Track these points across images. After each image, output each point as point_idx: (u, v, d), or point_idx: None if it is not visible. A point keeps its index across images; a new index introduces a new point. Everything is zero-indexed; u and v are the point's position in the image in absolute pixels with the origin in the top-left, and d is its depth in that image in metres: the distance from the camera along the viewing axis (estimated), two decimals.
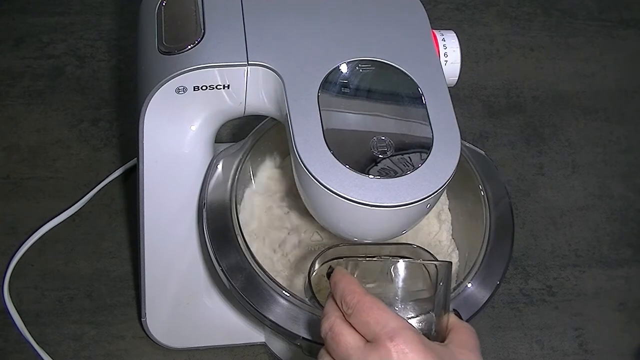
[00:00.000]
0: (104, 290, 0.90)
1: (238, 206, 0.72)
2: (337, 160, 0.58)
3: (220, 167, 0.72)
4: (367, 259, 0.59)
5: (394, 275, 0.57)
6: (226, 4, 0.66)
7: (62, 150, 1.00)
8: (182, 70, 0.62)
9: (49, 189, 0.97)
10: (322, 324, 0.55)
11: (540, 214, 1.01)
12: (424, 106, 0.62)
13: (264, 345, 0.86)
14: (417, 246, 0.64)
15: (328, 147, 0.58)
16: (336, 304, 0.55)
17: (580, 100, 1.14)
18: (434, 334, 0.56)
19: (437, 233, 0.79)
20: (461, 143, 0.61)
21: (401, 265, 0.57)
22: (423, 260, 0.61)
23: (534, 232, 0.99)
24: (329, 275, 0.58)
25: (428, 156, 0.59)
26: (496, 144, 1.07)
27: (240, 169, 0.73)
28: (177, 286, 0.79)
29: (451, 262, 0.59)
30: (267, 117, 0.73)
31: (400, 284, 0.57)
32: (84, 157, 1.00)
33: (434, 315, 0.57)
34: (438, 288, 0.58)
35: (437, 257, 0.63)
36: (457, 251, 0.78)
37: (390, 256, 0.61)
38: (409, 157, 0.59)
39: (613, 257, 0.98)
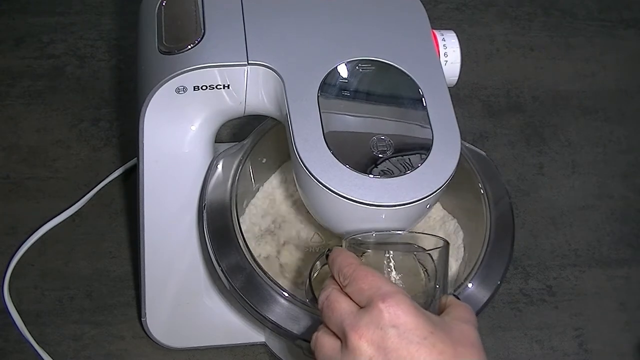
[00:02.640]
0: (104, 290, 0.90)
1: (239, 209, 0.72)
2: (337, 160, 0.58)
3: (220, 167, 0.72)
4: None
5: (393, 265, 0.57)
6: (226, 4, 0.66)
7: (62, 150, 1.00)
8: (182, 70, 0.62)
9: (49, 189, 0.97)
10: (320, 297, 0.55)
11: (540, 214, 1.01)
12: (424, 106, 0.62)
13: (264, 345, 0.86)
14: (418, 246, 0.64)
15: (328, 147, 0.58)
16: (334, 279, 0.56)
17: (580, 100, 1.14)
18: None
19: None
20: (462, 144, 0.61)
21: (397, 255, 0.57)
22: (418, 250, 0.61)
23: (534, 232, 0.99)
24: (327, 256, 0.58)
25: (428, 156, 0.59)
26: (496, 144, 1.07)
27: (241, 169, 0.73)
28: (177, 286, 0.79)
29: (448, 243, 0.59)
30: (267, 117, 0.73)
31: (397, 272, 0.57)
32: (84, 157, 1.00)
33: (432, 298, 0.57)
34: (437, 273, 0.58)
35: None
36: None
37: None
38: (409, 157, 0.59)
39: (613, 257, 0.98)
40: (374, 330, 0.50)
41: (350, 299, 0.53)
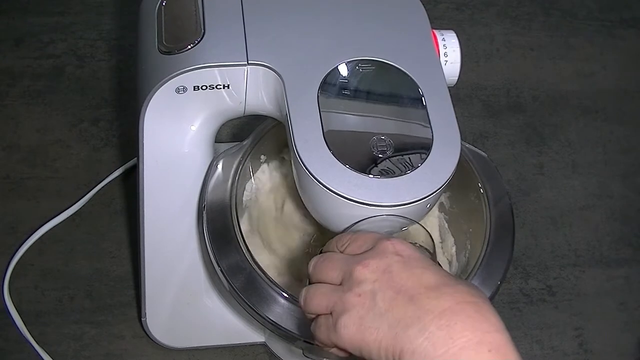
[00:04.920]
0: (104, 290, 0.90)
1: (239, 210, 0.72)
2: (337, 160, 0.58)
3: (220, 167, 0.72)
4: None
5: None
6: (226, 3, 0.66)
7: (62, 150, 1.00)
8: (182, 70, 0.62)
9: (49, 189, 0.97)
10: (310, 263, 0.55)
11: (540, 214, 1.01)
12: (424, 106, 0.62)
13: (264, 345, 0.86)
14: (418, 245, 0.64)
15: (328, 146, 0.58)
16: None
17: (580, 100, 1.14)
18: None
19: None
20: (463, 145, 0.61)
21: None
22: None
23: (534, 232, 0.99)
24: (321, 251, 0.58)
25: (428, 156, 0.59)
26: (496, 144, 1.07)
27: (241, 169, 0.73)
28: (177, 286, 0.79)
29: (433, 241, 0.59)
30: (267, 117, 0.73)
31: None
32: (84, 157, 1.00)
33: None
34: None
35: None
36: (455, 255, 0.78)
37: None
38: (409, 157, 0.59)
39: (613, 257, 0.98)
40: (379, 259, 0.50)
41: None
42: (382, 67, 0.64)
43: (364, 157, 0.58)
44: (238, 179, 0.72)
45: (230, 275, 0.67)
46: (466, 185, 0.74)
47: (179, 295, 0.80)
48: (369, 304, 0.49)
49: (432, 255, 0.59)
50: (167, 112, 0.65)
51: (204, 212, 0.70)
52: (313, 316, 0.53)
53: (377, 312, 0.48)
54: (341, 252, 0.54)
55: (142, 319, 0.82)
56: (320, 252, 0.58)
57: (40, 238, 0.92)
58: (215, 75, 0.63)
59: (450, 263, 0.77)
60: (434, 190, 0.58)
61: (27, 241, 0.91)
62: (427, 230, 0.60)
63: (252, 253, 0.69)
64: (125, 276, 0.91)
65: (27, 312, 0.87)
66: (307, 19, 0.67)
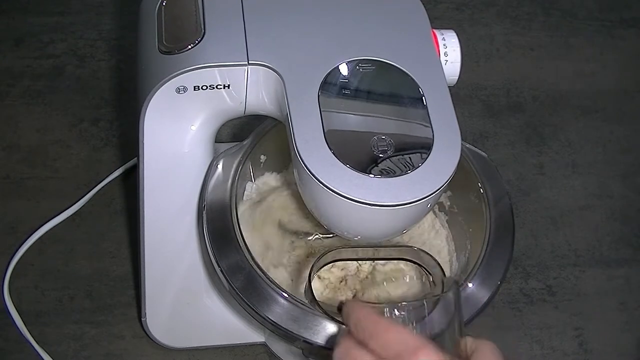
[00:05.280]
0: (104, 290, 0.89)
1: (239, 210, 0.71)
2: (337, 160, 0.58)
3: (220, 167, 0.72)
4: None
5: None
6: (226, 3, 0.66)
7: (62, 150, 1.00)
8: (182, 70, 0.62)
9: (49, 189, 0.97)
10: (335, 352, 0.54)
11: (540, 214, 1.01)
12: (425, 106, 0.62)
13: (264, 345, 0.86)
14: (418, 248, 0.64)
15: (329, 146, 0.58)
16: (348, 335, 0.54)
17: (580, 100, 1.14)
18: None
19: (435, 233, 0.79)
20: (463, 145, 0.61)
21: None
22: (430, 294, 0.61)
23: (534, 232, 0.99)
24: (339, 309, 0.57)
25: (428, 155, 0.59)
26: (496, 144, 1.07)
27: (240, 169, 0.73)
28: (177, 286, 0.79)
29: (458, 284, 0.58)
30: (267, 117, 0.73)
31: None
32: (84, 157, 1.00)
33: (448, 338, 0.57)
34: (453, 315, 0.58)
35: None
36: (455, 254, 0.78)
37: (390, 258, 0.61)
38: (410, 157, 0.59)
39: (613, 257, 0.98)
40: None
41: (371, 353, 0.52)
42: (383, 67, 0.63)
43: (365, 157, 0.58)
44: (238, 179, 0.72)
45: (230, 275, 0.67)
46: (466, 185, 0.74)
47: (179, 295, 0.80)
48: None
49: (444, 286, 0.58)
50: (167, 112, 0.65)
51: (204, 212, 0.70)
52: None
53: None
54: (363, 339, 0.53)
55: (142, 319, 0.82)
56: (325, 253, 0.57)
57: (40, 238, 0.92)
58: (215, 75, 0.63)
59: (450, 263, 0.77)
60: (435, 189, 0.58)
61: (27, 241, 0.91)
62: (435, 260, 0.60)
63: (253, 253, 0.69)
64: (125, 276, 0.91)
65: (27, 312, 0.87)
66: (308, 19, 0.67)
